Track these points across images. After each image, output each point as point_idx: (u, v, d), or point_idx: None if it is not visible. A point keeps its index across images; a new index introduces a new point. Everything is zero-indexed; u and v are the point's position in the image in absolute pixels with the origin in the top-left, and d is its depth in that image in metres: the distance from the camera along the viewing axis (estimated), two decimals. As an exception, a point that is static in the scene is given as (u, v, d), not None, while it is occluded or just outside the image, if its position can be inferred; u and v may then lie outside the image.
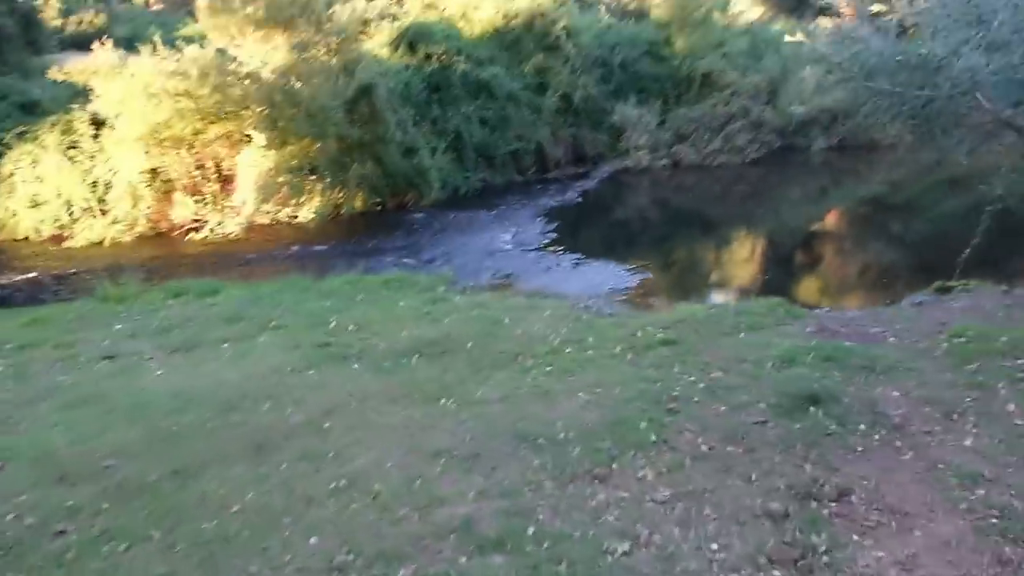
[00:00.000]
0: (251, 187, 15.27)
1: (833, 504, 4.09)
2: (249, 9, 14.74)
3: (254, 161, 15.33)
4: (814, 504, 4.09)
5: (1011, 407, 5.15)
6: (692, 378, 5.97)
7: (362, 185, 15.99)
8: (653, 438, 5.01)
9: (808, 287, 11.43)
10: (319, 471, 4.79)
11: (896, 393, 5.45)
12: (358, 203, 16.31)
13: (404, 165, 16.25)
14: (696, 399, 5.55)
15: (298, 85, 14.74)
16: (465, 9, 20.13)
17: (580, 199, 16.59)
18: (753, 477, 4.40)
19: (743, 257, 13.94)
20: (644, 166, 19.09)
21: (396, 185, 16.44)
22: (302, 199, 15.65)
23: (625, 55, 20.97)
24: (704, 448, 4.83)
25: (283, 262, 12.86)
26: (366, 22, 18.32)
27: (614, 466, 4.72)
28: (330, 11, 15.38)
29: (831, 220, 16.32)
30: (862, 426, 4.95)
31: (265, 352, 7.33)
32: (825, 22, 29.32)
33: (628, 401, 5.62)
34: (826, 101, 20.94)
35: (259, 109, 14.79)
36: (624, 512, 4.13)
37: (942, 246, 10.26)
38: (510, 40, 19.50)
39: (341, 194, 15.96)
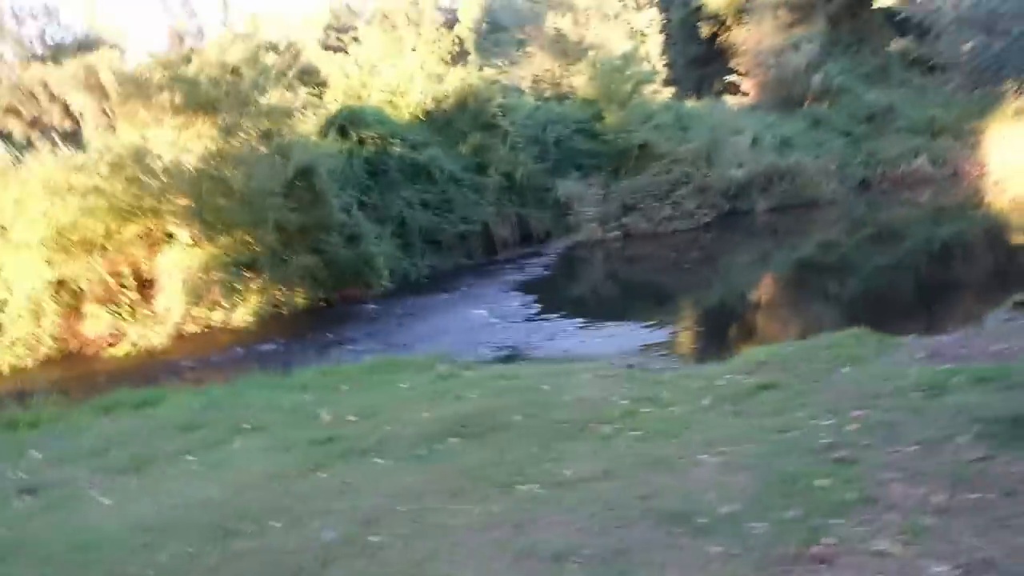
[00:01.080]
0: (176, 290, 13.40)
1: None
2: (165, 94, 13.34)
3: (178, 261, 13.54)
4: None
5: None
6: (830, 422, 4.73)
7: (304, 278, 14.38)
8: (852, 496, 3.68)
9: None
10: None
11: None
12: (299, 300, 14.63)
13: (349, 254, 14.82)
14: (863, 443, 4.28)
15: (228, 172, 13.26)
16: (391, 96, 19.41)
17: (547, 272, 15.56)
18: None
19: (748, 308, 13.17)
20: (597, 239, 18.40)
21: (341, 276, 14.91)
22: (236, 300, 13.86)
23: (559, 133, 20.67)
24: (936, 500, 3.52)
25: (228, 366, 10.99)
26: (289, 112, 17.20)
27: (828, 540, 3.34)
28: (257, 94, 14.17)
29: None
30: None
31: (249, 458, 5.61)
32: (731, 99, 30.50)
33: (773, 457, 4.30)
34: (760, 165, 21.25)
35: (182, 202, 13.17)
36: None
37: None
38: (443, 122, 18.82)
39: (281, 291, 14.27)
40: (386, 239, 16.10)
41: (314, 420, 6.31)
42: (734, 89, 30.62)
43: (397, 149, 17.34)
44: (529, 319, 11.00)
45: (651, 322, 9.88)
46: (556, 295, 12.61)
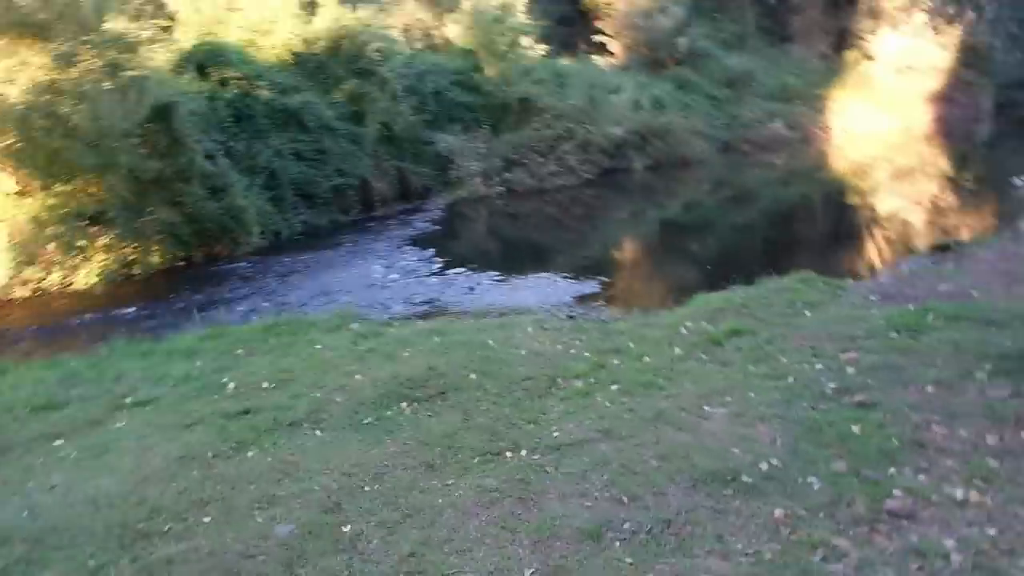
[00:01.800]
0: (1, 247, 11.33)
1: None
2: (-20, 13, 11.04)
3: (3, 212, 11.45)
4: None
5: None
6: (821, 366, 4.43)
7: (162, 234, 12.63)
8: (894, 443, 3.35)
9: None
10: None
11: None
12: (156, 258, 12.83)
13: (213, 207, 13.15)
14: (874, 386, 3.99)
15: (66, 109, 11.24)
16: (252, 36, 17.47)
17: (437, 227, 14.67)
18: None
19: (653, 262, 13.01)
20: (481, 195, 17.68)
21: (205, 232, 13.22)
22: (78, 259, 11.94)
23: (436, 83, 19.63)
24: (991, 442, 3.25)
25: (76, 335, 9.33)
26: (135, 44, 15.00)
27: (896, 492, 2.97)
28: (98, 19, 12.07)
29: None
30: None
31: (142, 439, 4.54)
32: (599, 60, 30.60)
33: (785, 405, 3.93)
34: (636, 124, 21.37)
35: (8, 142, 11.06)
36: None
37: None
38: (314, 66, 17.18)
39: (133, 248, 12.46)
40: (254, 191, 14.49)
41: (218, 391, 5.26)
42: (601, 50, 30.81)
43: (265, 93, 15.60)
44: (435, 274, 10.16)
45: (570, 274, 9.40)
46: (456, 250, 11.79)
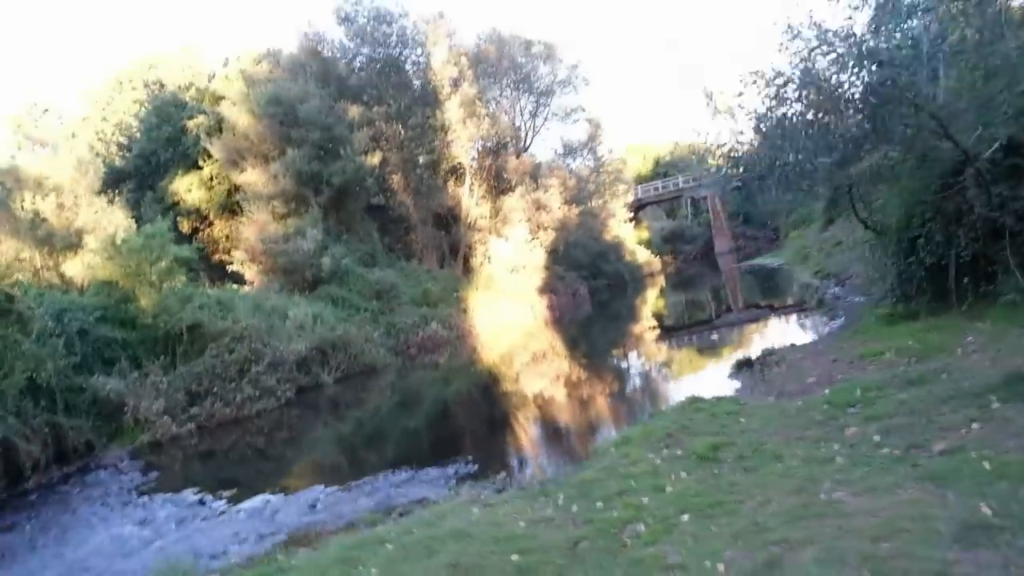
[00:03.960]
0: None
1: None
2: None
3: None
4: None
5: None
6: (841, 450, 4.78)
7: None
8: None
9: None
10: None
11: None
12: None
13: None
14: (918, 450, 4.45)
15: None
16: None
17: (149, 476, 11.73)
18: None
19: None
20: (172, 434, 14.90)
21: None
22: None
23: (81, 322, 16.71)
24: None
25: None
26: None
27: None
28: None
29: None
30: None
31: None
32: (236, 287, 29.76)
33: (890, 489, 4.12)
34: (317, 338, 20.96)
35: None
36: None
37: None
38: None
39: None
40: None
41: None
42: (238, 277, 30.03)
43: None
44: (223, 512, 7.99)
45: (401, 474, 8.21)
46: (213, 487, 9.46)
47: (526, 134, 44.72)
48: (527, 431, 12.28)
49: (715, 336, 19.89)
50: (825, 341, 10.99)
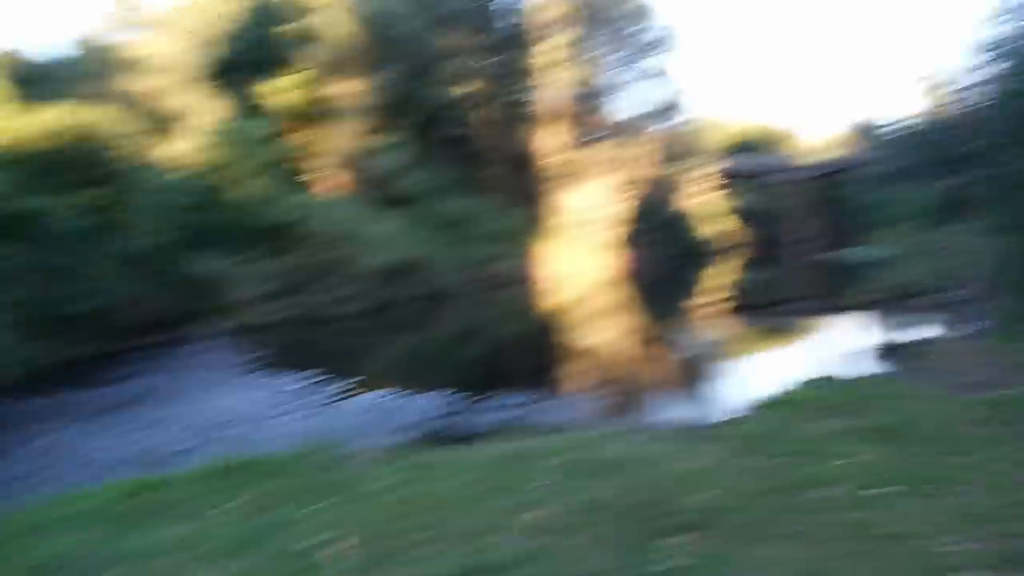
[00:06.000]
0: None
1: None
2: None
3: None
4: None
5: None
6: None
7: None
8: None
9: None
10: None
11: None
12: None
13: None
14: None
15: None
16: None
17: (258, 353, 12.10)
18: None
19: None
20: (268, 321, 15.27)
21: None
22: None
23: (193, 201, 17.06)
24: None
25: None
26: None
27: None
28: None
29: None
30: None
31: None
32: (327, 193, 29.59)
33: None
34: (398, 256, 21.07)
35: None
36: None
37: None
38: (45, 163, 13.55)
39: None
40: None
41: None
42: (318, 185, 30.27)
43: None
44: (338, 401, 8.19)
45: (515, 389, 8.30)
46: (319, 374, 9.65)
47: (614, 90, 43.75)
48: (638, 376, 12.00)
49: (814, 318, 18.85)
50: (967, 342, 10.52)
